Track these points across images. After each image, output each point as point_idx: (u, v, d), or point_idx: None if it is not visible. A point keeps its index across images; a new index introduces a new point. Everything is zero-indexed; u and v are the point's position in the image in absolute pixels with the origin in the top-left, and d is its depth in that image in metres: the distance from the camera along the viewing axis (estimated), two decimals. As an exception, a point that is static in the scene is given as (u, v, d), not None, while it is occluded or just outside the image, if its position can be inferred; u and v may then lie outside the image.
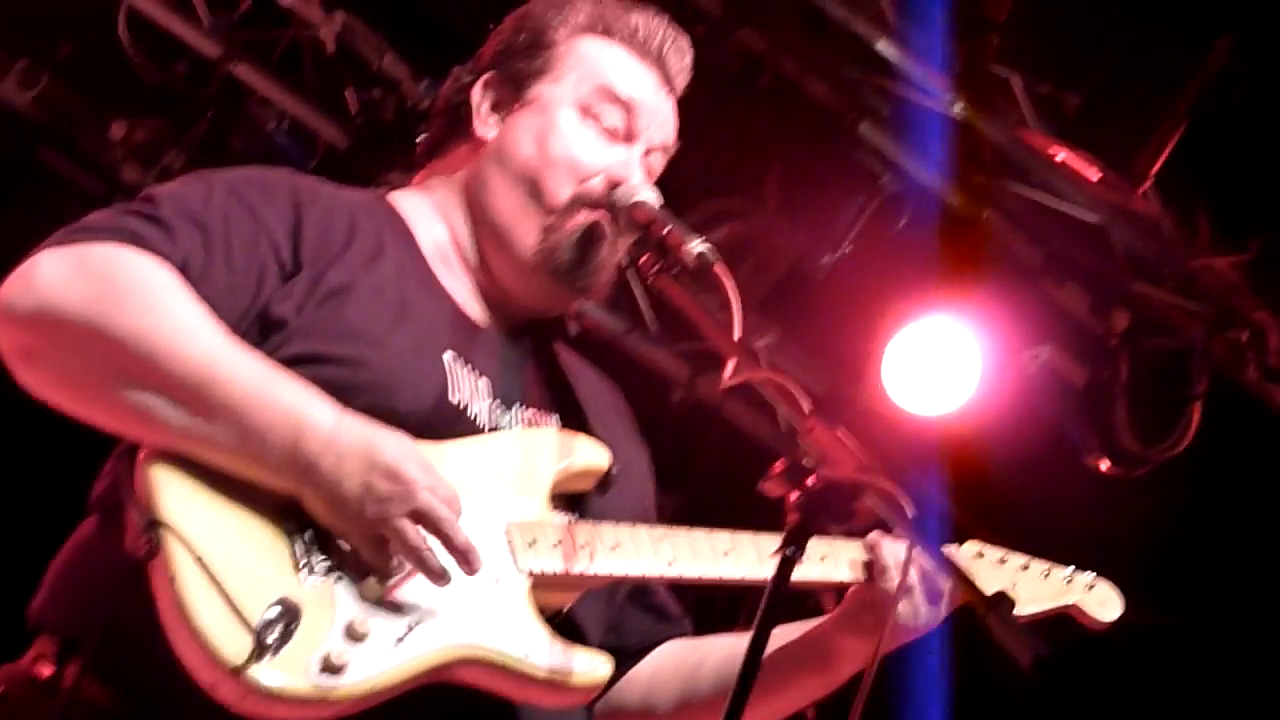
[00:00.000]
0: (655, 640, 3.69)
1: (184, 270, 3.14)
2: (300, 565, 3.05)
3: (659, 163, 3.65)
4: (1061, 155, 7.57)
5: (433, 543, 3.08)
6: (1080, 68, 7.59)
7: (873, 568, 3.54)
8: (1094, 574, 3.84)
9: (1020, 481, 7.79)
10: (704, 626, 3.81)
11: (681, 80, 3.67)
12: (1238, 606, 7.80)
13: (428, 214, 3.58)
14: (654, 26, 3.65)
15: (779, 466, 3.02)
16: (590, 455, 3.43)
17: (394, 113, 7.21)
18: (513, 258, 3.51)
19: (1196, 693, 7.83)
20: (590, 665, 3.20)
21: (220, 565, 2.96)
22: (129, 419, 3.08)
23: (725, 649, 3.63)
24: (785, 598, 2.98)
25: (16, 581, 3.49)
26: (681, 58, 3.66)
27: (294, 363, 3.17)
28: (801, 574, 3.16)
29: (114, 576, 3.03)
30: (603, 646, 3.28)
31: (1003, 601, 2.87)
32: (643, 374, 7.73)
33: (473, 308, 3.54)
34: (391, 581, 3.08)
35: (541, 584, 3.23)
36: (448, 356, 3.38)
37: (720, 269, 3.34)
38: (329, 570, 3.06)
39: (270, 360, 3.13)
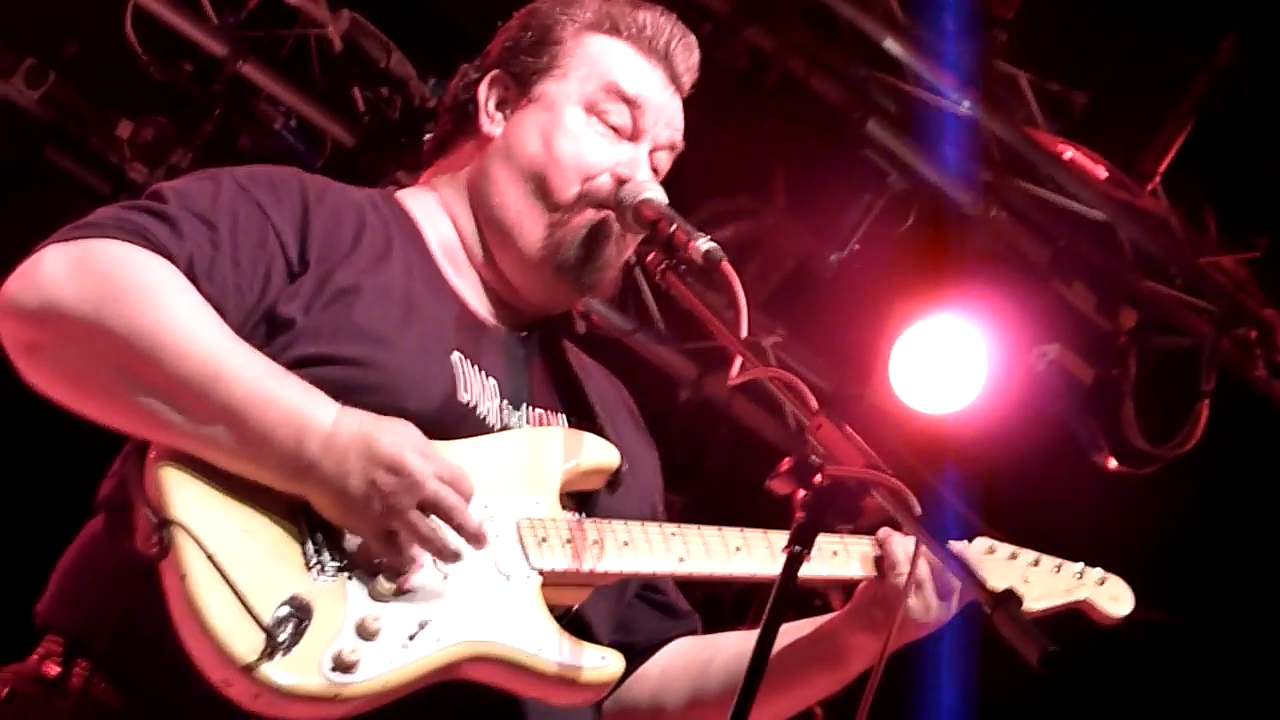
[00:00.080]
0: (664, 638, 3.69)
1: (190, 268, 3.14)
2: (311, 564, 3.05)
3: (665, 161, 3.64)
4: (1069, 153, 7.58)
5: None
6: (1088, 66, 7.60)
7: (883, 563, 3.53)
8: (1104, 569, 3.83)
9: (1028, 479, 7.80)
10: (712, 624, 3.80)
11: (688, 79, 3.67)
12: (1246, 604, 7.80)
13: (435, 212, 3.58)
14: (661, 24, 3.64)
15: (786, 464, 3.02)
16: (599, 453, 3.43)
17: (401, 111, 7.21)
18: (519, 254, 3.51)
19: (1204, 690, 7.83)
20: (601, 662, 3.20)
21: (231, 564, 2.96)
22: (131, 416, 3.08)
23: (735, 646, 3.63)
24: (793, 595, 2.98)
25: (23, 581, 3.50)
26: (689, 56, 3.65)
27: (302, 364, 3.16)
28: (812, 570, 3.16)
29: (122, 576, 3.04)
30: (612, 644, 3.28)
31: (1010, 598, 2.86)
32: (651, 372, 7.73)
33: (480, 306, 3.54)
34: (402, 578, 3.08)
35: (552, 581, 3.23)
36: (456, 356, 3.38)
37: (727, 267, 3.34)
38: (340, 568, 3.06)
39: (274, 361, 3.13)
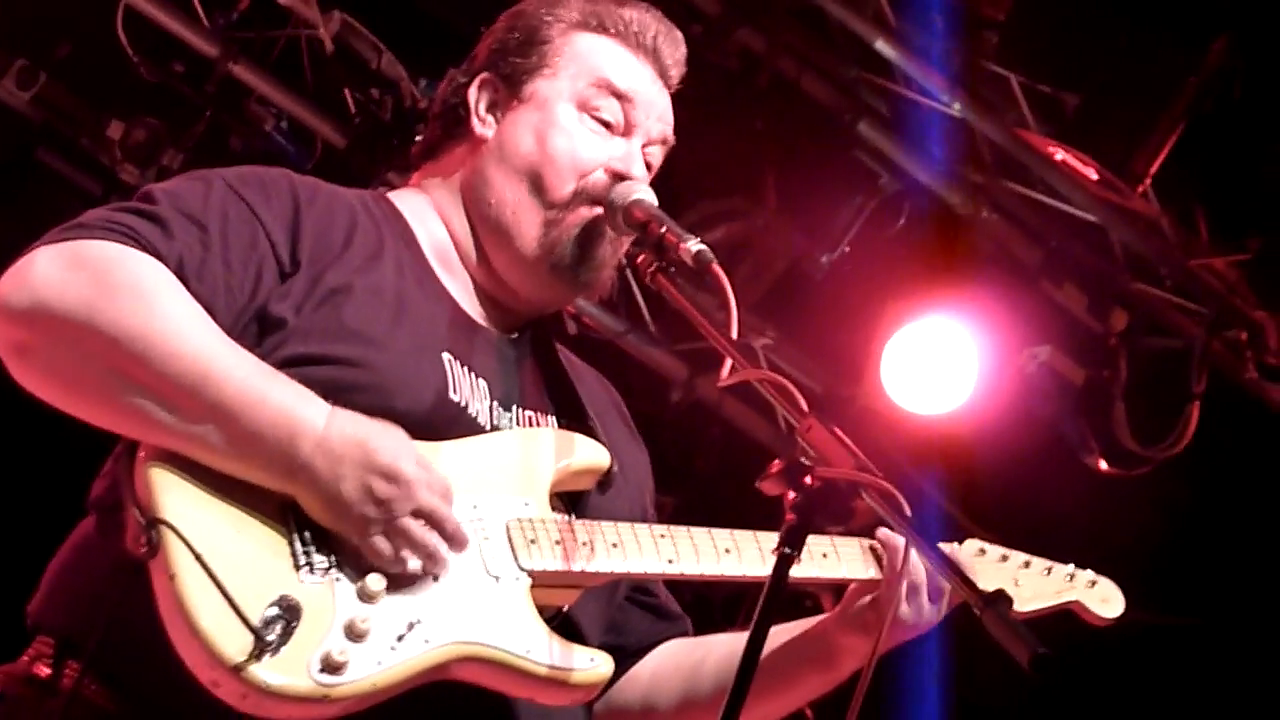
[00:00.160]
0: (655, 639, 3.69)
1: (180, 268, 3.14)
2: (300, 564, 3.05)
3: (657, 156, 3.65)
4: (1060, 155, 7.58)
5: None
6: (1079, 68, 7.61)
7: (879, 564, 3.54)
8: (1094, 572, 3.84)
9: (1019, 481, 7.81)
10: (703, 626, 3.80)
11: (676, 72, 3.67)
12: (1237, 606, 7.81)
13: (427, 213, 3.58)
14: (647, 20, 3.65)
15: (777, 466, 3.02)
16: (590, 454, 3.43)
17: (392, 112, 7.21)
18: (515, 253, 3.51)
19: (1195, 692, 7.83)
20: (590, 664, 3.20)
21: (220, 564, 2.96)
22: (122, 416, 3.08)
23: (726, 647, 3.63)
24: (784, 596, 2.98)
25: (14, 581, 3.49)
26: (675, 49, 3.66)
27: (293, 363, 3.17)
28: (802, 572, 3.16)
29: (113, 576, 3.03)
30: (602, 646, 3.27)
31: (1001, 599, 2.86)
32: (642, 373, 7.73)
33: (472, 308, 3.54)
34: (391, 579, 3.08)
35: (542, 582, 3.23)
36: (447, 357, 3.38)
37: (717, 269, 3.34)
38: (328, 569, 3.06)
39: (264, 361, 3.13)
